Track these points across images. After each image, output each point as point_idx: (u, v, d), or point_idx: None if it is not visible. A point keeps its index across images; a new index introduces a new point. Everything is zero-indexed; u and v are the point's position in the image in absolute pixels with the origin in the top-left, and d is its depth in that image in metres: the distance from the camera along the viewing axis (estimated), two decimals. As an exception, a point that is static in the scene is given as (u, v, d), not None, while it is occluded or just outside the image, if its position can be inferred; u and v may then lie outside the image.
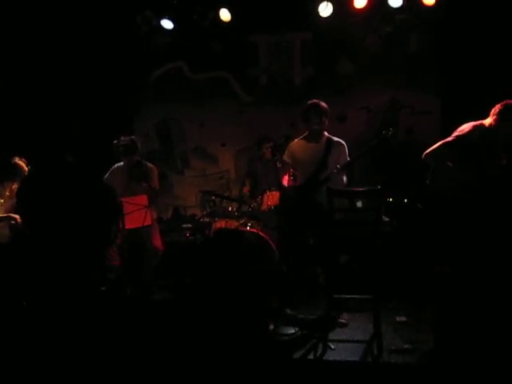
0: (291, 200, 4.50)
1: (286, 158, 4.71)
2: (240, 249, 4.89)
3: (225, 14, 6.47)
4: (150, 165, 5.30)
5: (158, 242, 5.26)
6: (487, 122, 3.80)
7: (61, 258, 3.80)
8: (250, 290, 4.63)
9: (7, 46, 6.07)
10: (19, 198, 4.05)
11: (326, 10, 6.19)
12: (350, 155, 4.58)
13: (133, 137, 5.28)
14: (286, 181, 4.70)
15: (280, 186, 4.77)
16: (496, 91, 3.99)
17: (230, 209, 5.67)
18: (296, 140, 4.71)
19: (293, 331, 4.11)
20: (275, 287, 4.55)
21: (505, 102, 3.72)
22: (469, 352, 3.39)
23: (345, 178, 4.51)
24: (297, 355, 3.64)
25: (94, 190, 4.02)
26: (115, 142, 5.16)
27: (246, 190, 5.72)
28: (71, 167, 4.03)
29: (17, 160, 4.67)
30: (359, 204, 5.19)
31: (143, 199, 4.86)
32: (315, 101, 4.54)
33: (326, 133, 4.62)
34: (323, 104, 4.52)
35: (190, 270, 5.21)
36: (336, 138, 4.60)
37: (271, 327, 4.10)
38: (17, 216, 4.38)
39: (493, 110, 3.77)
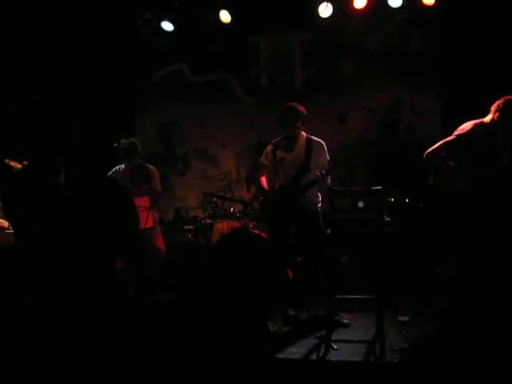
0: (273, 204, 4.42)
1: (263, 160, 4.57)
2: (248, 250, 4.90)
3: (225, 16, 6.48)
4: (151, 167, 5.31)
5: (160, 243, 5.27)
6: (488, 119, 3.80)
7: (64, 261, 3.77)
8: (252, 291, 4.64)
9: (11, 48, 6.09)
10: (6, 201, 3.94)
11: (325, 10, 6.19)
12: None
13: (133, 139, 5.29)
14: (264, 182, 4.61)
15: (260, 190, 4.65)
16: (497, 90, 3.98)
17: (231, 210, 5.68)
18: (274, 142, 4.48)
19: (295, 331, 4.12)
20: (277, 288, 4.54)
21: (505, 98, 3.72)
22: (470, 352, 3.39)
23: (328, 179, 4.33)
24: (299, 355, 3.64)
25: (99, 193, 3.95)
26: (115, 144, 5.17)
27: (247, 196, 5.65)
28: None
29: (7, 161, 4.65)
30: (361, 204, 5.19)
31: (145, 201, 4.85)
32: (292, 104, 4.42)
33: (304, 133, 4.50)
34: (300, 108, 4.40)
35: (201, 267, 5.23)
36: (316, 138, 4.47)
37: (273, 328, 4.11)
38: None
39: (493, 106, 3.78)
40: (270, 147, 4.46)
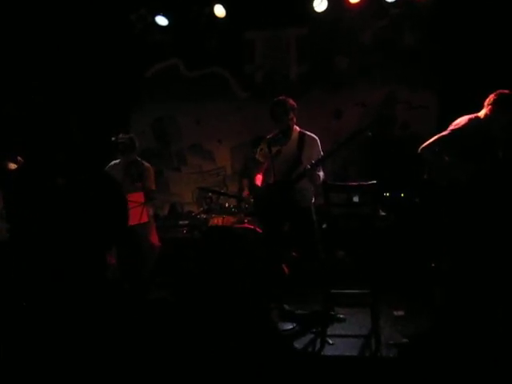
0: (266, 199, 4.40)
1: (258, 157, 4.56)
2: (235, 245, 4.89)
3: (219, 10, 6.46)
4: (146, 164, 5.29)
5: (154, 238, 5.25)
6: (482, 113, 3.80)
7: (58, 257, 3.77)
8: (246, 286, 4.63)
9: (11, 48, 6.07)
10: (6, 201, 3.94)
11: (320, 4, 6.18)
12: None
13: (132, 135, 5.28)
14: (259, 180, 4.58)
15: (253, 186, 4.64)
16: (492, 85, 3.98)
17: (226, 205, 5.67)
18: (267, 138, 4.45)
19: (291, 327, 4.12)
20: (272, 283, 4.54)
21: (499, 92, 3.72)
22: (467, 347, 3.40)
23: (322, 174, 4.31)
24: (295, 350, 3.65)
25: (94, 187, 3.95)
26: (113, 139, 5.15)
27: (246, 194, 5.59)
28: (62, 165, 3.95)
29: (9, 164, 4.64)
30: (356, 199, 5.19)
31: (139, 196, 4.84)
32: (282, 97, 4.39)
33: (297, 128, 4.47)
34: (291, 100, 4.38)
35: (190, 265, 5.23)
36: (308, 133, 4.44)
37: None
38: None
39: (487, 101, 3.77)
40: (264, 143, 4.44)
